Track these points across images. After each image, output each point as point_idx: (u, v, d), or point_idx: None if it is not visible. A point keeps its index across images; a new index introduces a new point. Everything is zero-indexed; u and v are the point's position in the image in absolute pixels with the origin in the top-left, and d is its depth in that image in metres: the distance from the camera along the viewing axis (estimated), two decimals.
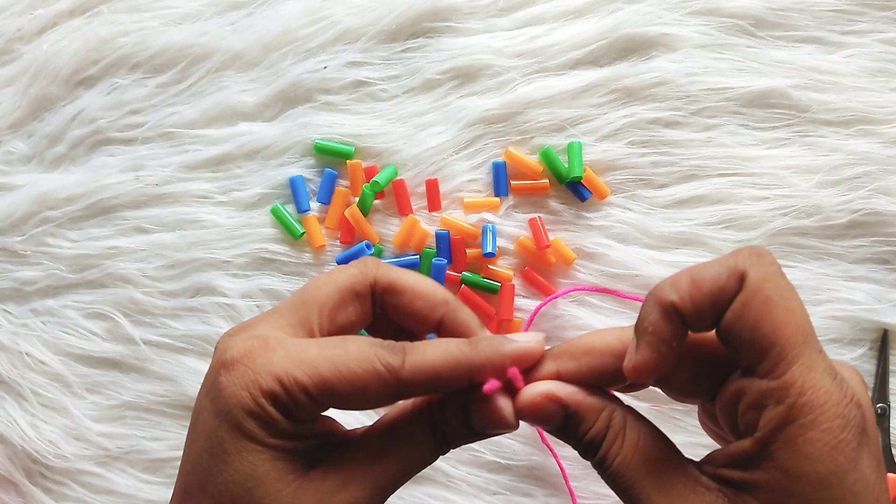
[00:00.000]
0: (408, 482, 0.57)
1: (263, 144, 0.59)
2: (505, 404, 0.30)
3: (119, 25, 0.60)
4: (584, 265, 0.57)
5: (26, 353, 0.60)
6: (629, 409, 0.31)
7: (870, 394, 0.56)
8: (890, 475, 0.55)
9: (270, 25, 0.59)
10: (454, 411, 0.31)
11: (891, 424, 0.55)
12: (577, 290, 0.56)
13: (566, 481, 0.55)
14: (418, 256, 0.57)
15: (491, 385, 0.29)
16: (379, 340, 0.30)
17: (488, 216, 0.57)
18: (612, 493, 0.55)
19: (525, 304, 0.57)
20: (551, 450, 0.56)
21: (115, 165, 0.60)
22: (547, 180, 0.57)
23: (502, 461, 0.56)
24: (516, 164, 0.57)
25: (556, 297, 0.56)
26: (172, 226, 0.59)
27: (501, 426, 0.30)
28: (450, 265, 0.57)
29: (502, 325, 0.57)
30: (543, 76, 0.57)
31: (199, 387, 0.32)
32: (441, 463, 0.56)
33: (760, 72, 0.56)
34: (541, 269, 0.57)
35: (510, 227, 0.57)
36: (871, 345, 0.56)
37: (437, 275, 0.57)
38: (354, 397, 0.29)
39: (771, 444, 0.26)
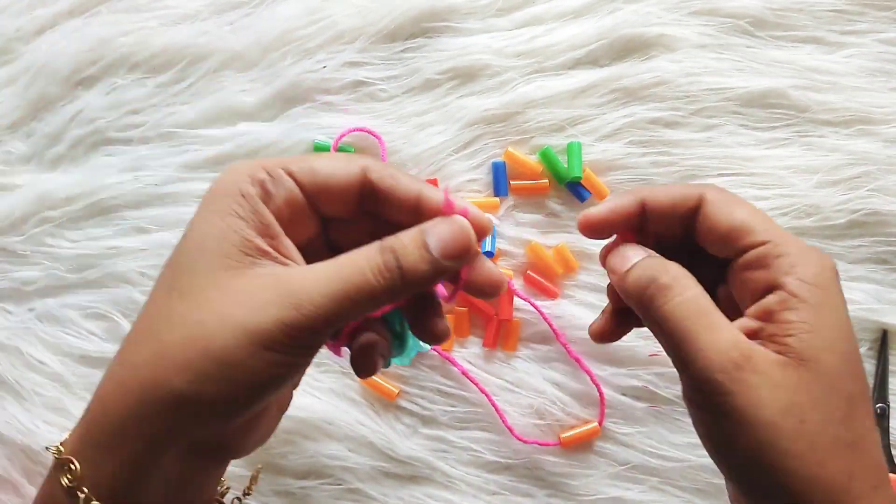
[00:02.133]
0: (408, 482, 0.57)
1: (263, 144, 0.59)
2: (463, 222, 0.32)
3: (118, 25, 0.60)
4: (584, 266, 0.57)
5: (26, 354, 0.60)
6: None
7: (870, 394, 0.56)
8: (891, 475, 0.55)
9: (269, 25, 0.59)
10: (411, 232, 0.31)
11: (891, 424, 0.55)
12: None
13: (503, 420, 0.56)
14: None
15: (449, 206, 0.32)
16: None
17: (488, 216, 0.57)
18: (610, 493, 0.55)
19: (524, 304, 0.56)
20: (491, 401, 0.56)
21: (114, 165, 0.60)
22: (546, 180, 0.57)
23: (502, 461, 0.56)
24: (516, 164, 0.57)
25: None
26: (172, 226, 0.59)
27: (459, 242, 0.31)
28: None
29: (502, 325, 0.57)
30: (543, 76, 0.57)
31: None
32: (441, 463, 0.56)
33: (760, 72, 0.56)
34: (542, 272, 0.57)
35: (510, 227, 0.57)
36: (871, 345, 0.56)
37: None
38: (327, 174, 0.31)
39: (795, 289, 0.31)
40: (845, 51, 0.57)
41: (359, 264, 0.29)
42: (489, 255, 0.56)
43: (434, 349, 0.56)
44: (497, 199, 0.57)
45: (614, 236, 0.37)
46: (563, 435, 0.56)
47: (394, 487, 0.56)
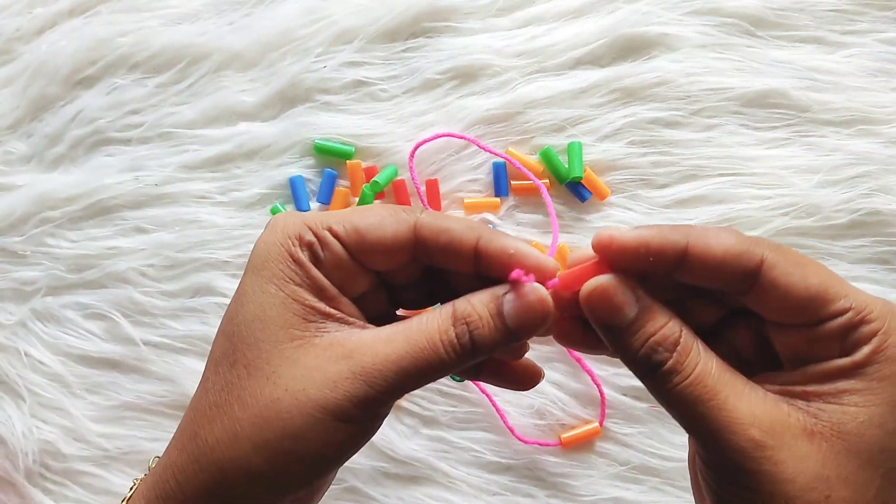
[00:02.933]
0: (408, 482, 0.57)
1: (263, 144, 0.59)
2: (538, 290, 0.29)
3: (118, 25, 0.60)
4: None
5: (26, 354, 0.60)
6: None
7: None
8: None
9: (269, 25, 0.59)
10: (484, 305, 0.29)
11: None
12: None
13: (500, 415, 0.56)
14: None
15: (518, 273, 0.29)
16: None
17: (489, 216, 0.57)
18: (611, 493, 0.55)
19: None
20: (491, 400, 0.56)
21: (114, 165, 0.60)
22: (547, 180, 0.57)
23: (503, 461, 0.56)
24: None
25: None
26: (172, 226, 0.59)
27: (538, 316, 0.29)
28: None
29: None
30: (543, 76, 0.57)
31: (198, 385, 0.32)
32: (441, 464, 0.56)
33: (760, 72, 0.56)
34: None
35: (510, 227, 0.57)
36: None
37: None
38: (376, 235, 0.30)
39: (868, 358, 0.28)
40: (846, 50, 0.57)
41: (431, 338, 0.29)
42: None
43: None
44: (497, 199, 0.57)
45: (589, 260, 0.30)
46: (564, 435, 0.56)
47: (394, 488, 0.56)
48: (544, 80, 0.57)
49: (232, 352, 0.30)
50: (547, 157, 0.57)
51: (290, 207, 0.58)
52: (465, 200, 0.57)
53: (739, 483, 0.28)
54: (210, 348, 0.31)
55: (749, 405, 0.28)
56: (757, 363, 0.32)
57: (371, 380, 0.28)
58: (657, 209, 0.56)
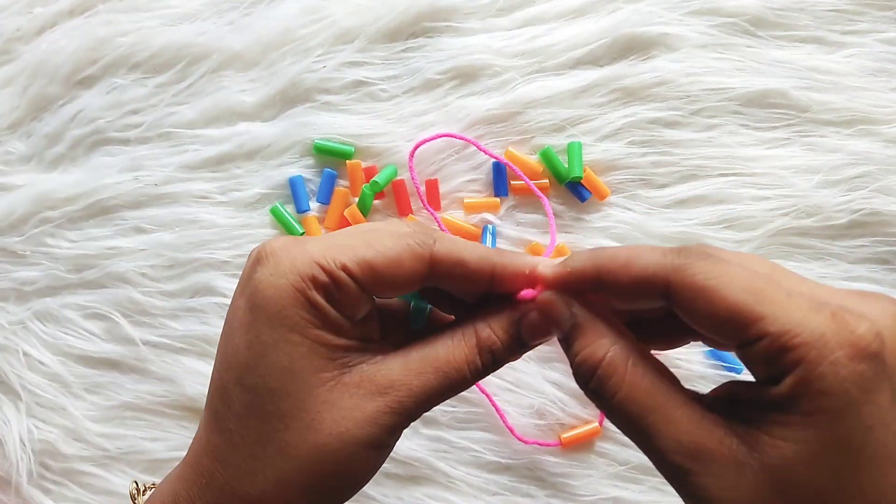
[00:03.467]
0: (408, 482, 0.57)
1: (263, 144, 0.59)
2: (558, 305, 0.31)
3: (118, 25, 0.60)
4: None
5: (25, 354, 0.59)
6: (636, 343, 0.30)
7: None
8: None
9: (269, 25, 0.59)
10: (506, 327, 0.31)
11: None
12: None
13: (502, 418, 0.56)
14: None
15: (526, 293, 0.31)
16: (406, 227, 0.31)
17: (489, 216, 0.57)
18: (611, 493, 0.55)
19: None
20: (489, 397, 0.56)
21: (114, 165, 0.60)
22: (547, 180, 0.57)
23: (503, 461, 0.56)
24: (516, 164, 0.57)
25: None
26: (172, 226, 0.59)
27: (546, 329, 0.31)
28: None
29: None
30: (543, 76, 0.57)
31: (219, 340, 0.32)
32: (441, 463, 0.56)
33: (760, 72, 0.56)
34: None
35: (510, 227, 0.57)
36: None
37: None
38: (392, 273, 0.30)
39: (793, 390, 0.25)
40: (846, 50, 0.57)
41: (461, 369, 0.31)
42: None
43: None
44: (497, 199, 0.57)
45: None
46: (564, 435, 0.56)
47: (394, 488, 0.56)
48: (544, 80, 0.57)
49: (261, 405, 0.29)
50: (547, 157, 0.56)
51: (291, 207, 0.58)
52: (465, 200, 0.57)
53: (682, 494, 0.28)
54: (214, 389, 0.31)
55: (675, 430, 0.27)
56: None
57: (408, 413, 0.30)
58: (657, 209, 0.56)
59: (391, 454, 0.55)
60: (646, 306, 0.29)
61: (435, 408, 0.56)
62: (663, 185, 0.57)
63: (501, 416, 0.56)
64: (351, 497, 0.31)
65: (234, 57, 0.59)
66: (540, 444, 0.56)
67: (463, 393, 0.56)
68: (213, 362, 0.58)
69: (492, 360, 0.31)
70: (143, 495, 0.35)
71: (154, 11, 0.60)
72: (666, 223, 0.56)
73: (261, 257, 0.30)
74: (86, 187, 0.60)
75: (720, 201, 0.56)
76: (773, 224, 0.55)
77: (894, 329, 0.25)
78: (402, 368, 0.30)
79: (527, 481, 0.56)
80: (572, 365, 0.30)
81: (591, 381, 0.29)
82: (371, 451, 0.30)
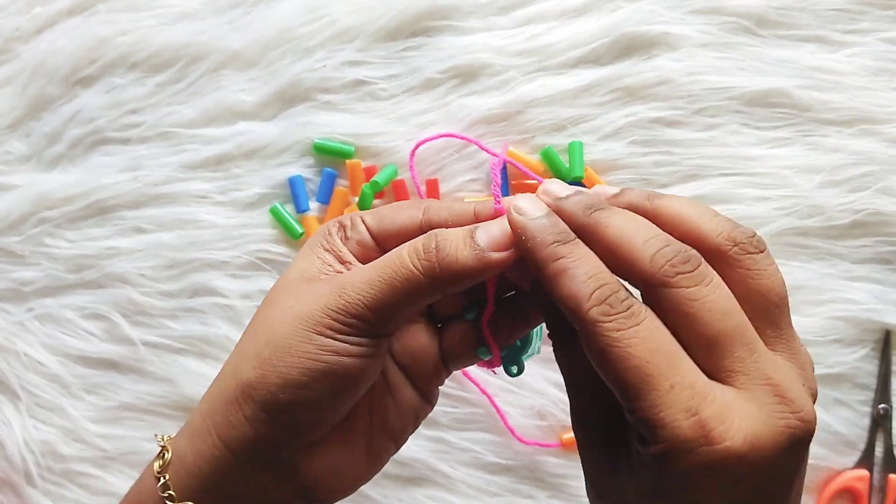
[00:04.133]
0: (408, 483, 0.57)
1: (262, 144, 0.59)
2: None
3: (117, 25, 0.60)
4: None
5: (24, 354, 0.59)
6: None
7: (872, 394, 0.56)
8: (893, 476, 0.55)
9: (269, 24, 0.59)
10: (460, 230, 0.32)
11: (893, 425, 0.55)
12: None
13: (503, 419, 0.55)
14: None
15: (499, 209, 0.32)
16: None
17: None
18: None
19: None
20: (489, 397, 0.56)
21: (113, 165, 0.60)
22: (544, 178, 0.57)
23: (503, 462, 0.56)
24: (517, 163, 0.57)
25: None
26: (171, 226, 0.59)
27: (504, 234, 0.30)
28: None
29: None
30: (544, 75, 0.57)
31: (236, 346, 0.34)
32: (441, 464, 0.56)
33: (762, 71, 0.56)
34: None
35: None
36: (874, 345, 0.56)
37: None
38: (390, 221, 0.34)
39: (648, 463, 0.26)
40: (848, 50, 0.56)
41: (400, 251, 0.31)
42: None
43: None
44: None
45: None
46: (565, 436, 0.55)
47: (394, 489, 0.56)
48: (545, 80, 0.57)
49: (268, 298, 0.33)
50: (548, 156, 0.56)
51: (290, 207, 0.58)
52: (466, 200, 0.57)
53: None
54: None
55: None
56: None
57: (343, 292, 0.30)
58: None
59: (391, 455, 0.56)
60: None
61: (435, 408, 0.56)
62: (665, 185, 0.56)
63: (502, 417, 0.56)
64: (306, 394, 0.31)
65: (234, 56, 0.59)
66: (541, 445, 0.56)
67: (463, 394, 0.56)
68: (212, 363, 0.58)
69: (434, 246, 0.30)
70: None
71: (153, 11, 0.60)
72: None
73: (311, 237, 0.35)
74: (85, 187, 0.59)
75: (721, 201, 0.56)
76: (775, 224, 0.55)
77: (758, 449, 0.25)
78: (360, 266, 0.32)
79: (527, 482, 0.56)
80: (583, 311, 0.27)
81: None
82: (307, 329, 0.30)
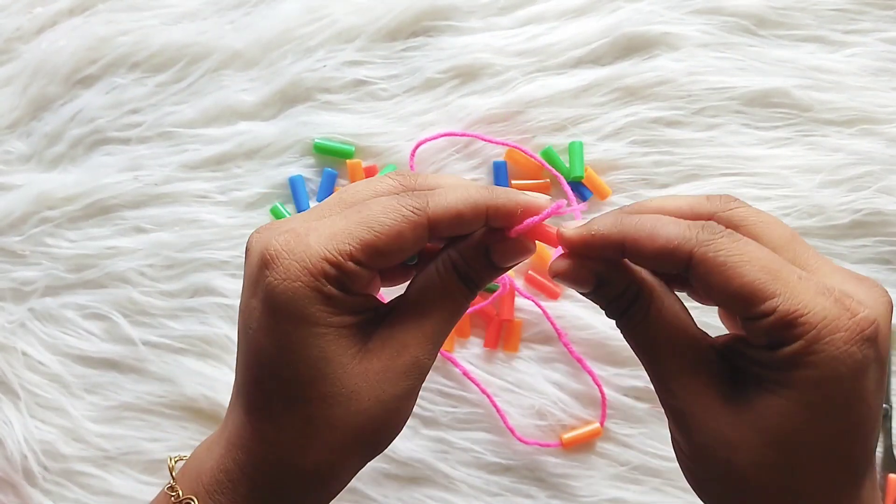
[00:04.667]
0: (408, 483, 0.57)
1: (263, 144, 0.59)
2: (522, 242, 0.33)
3: (118, 24, 0.60)
4: None
5: (25, 354, 0.59)
6: (659, 280, 0.32)
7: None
8: (892, 476, 0.55)
9: (269, 24, 0.59)
10: (476, 257, 0.33)
11: (893, 425, 0.55)
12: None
13: (502, 418, 0.55)
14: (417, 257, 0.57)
15: (518, 228, 0.33)
16: (399, 192, 0.32)
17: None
18: (611, 494, 0.55)
19: (525, 304, 0.56)
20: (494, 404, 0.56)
21: (113, 165, 0.60)
22: (548, 180, 0.57)
23: (503, 462, 0.56)
24: (517, 163, 0.57)
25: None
26: (171, 226, 0.59)
27: (522, 254, 0.33)
28: None
29: (503, 325, 0.56)
30: (544, 75, 0.57)
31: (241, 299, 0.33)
32: (441, 464, 0.56)
33: (762, 71, 0.56)
34: (543, 272, 0.57)
35: None
36: None
37: None
38: (396, 248, 0.31)
39: (789, 359, 0.28)
40: (848, 50, 0.56)
41: (451, 299, 0.34)
42: None
43: None
44: None
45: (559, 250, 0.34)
46: (565, 436, 0.55)
47: (394, 489, 0.56)
48: (545, 80, 0.57)
49: (302, 391, 0.31)
50: (548, 156, 0.56)
51: (291, 207, 0.58)
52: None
53: (676, 429, 0.32)
54: (248, 384, 0.33)
55: (683, 371, 0.31)
56: None
57: (429, 355, 0.33)
58: None
59: (391, 457, 0.56)
60: (661, 271, 0.32)
61: (435, 408, 0.57)
62: (665, 185, 0.56)
63: (502, 417, 0.56)
64: (391, 442, 0.34)
65: (235, 56, 0.59)
66: (541, 445, 0.56)
67: (464, 393, 0.56)
68: (212, 362, 0.58)
69: (473, 284, 0.33)
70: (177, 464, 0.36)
71: (154, 11, 0.60)
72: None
73: (267, 260, 0.31)
74: (85, 187, 0.59)
75: None
76: None
77: (886, 318, 0.29)
78: (413, 322, 0.33)
79: (527, 482, 0.56)
80: (627, 291, 0.32)
81: (624, 315, 0.32)
82: (406, 401, 0.33)
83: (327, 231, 0.31)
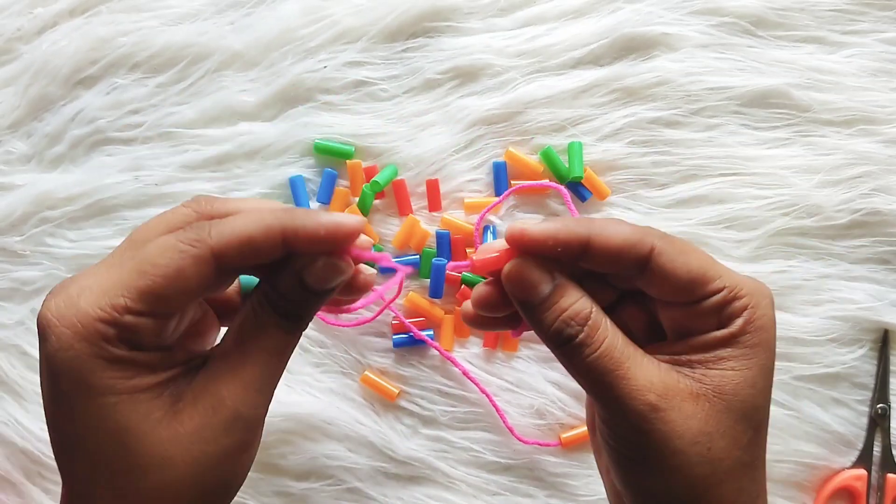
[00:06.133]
0: (408, 482, 0.57)
1: (263, 144, 0.59)
2: (331, 260, 0.31)
3: (118, 25, 0.60)
4: None
5: (25, 353, 0.59)
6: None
7: (870, 394, 0.56)
8: (891, 475, 0.55)
9: (270, 25, 0.59)
10: (287, 281, 0.30)
11: (891, 424, 0.55)
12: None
13: (502, 419, 0.55)
14: (418, 256, 0.57)
15: (361, 253, 0.31)
16: (181, 227, 0.30)
17: (489, 216, 0.57)
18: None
19: None
20: (492, 402, 0.56)
21: (114, 165, 0.60)
22: (547, 180, 0.57)
23: (502, 461, 0.56)
24: (517, 164, 0.57)
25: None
26: None
27: (337, 274, 0.31)
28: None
29: None
30: (544, 76, 0.57)
31: None
32: (441, 464, 0.56)
33: (761, 71, 0.56)
34: None
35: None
36: (872, 345, 0.56)
37: (437, 275, 0.56)
38: (178, 290, 0.28)
39: (740, 330, 0.32)
40: (847, 50, 0.57)
41: (271, 340, 0.31)
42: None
43: (435, 349, 0.56)
44: (498, 199, 0.57)
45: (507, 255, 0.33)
46: (564, 435, 0.56)
47: (394, 488, 0.56)
48: (545, 80, 0.57)
49: (109, 465, 0.29)
50: (547, 156, 0.56)
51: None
52: (466, 200, 0.57)
53: (638, 441, 0.31)
54: (59, 460, 0.30)
55: (647, 374, 0.31)
56: (646, 338, 0.35)
57: (257, 406, 0.31)
58: (657, 209, 0.56)
59: (390, 456, 0.56)
60: (617, 271, 0.33)
61: (435, 408, 0.57)
62: (664, 185, 0.57)
63: (501, 417, 0.56)
64: (231, 497, 0.32)
65: (235, 57, 0.59)
66: (540, 444, 0.56)
67: (463, 393, 0.56)
68: None
69: (294, 316, 0.31)
70: None
71: (155, 11, 0.60)
72: (666, 223, 0.56)
73: (41, 330, 0.28)
74: (86, 187, 0.60)
75: (720, 201, 0.56)
76: (774, 224, 0.55)
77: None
78: (229, 371, 0.30)
79: (527, 481, 0.56)
80: (556, 321, 0.32)
81: (581, 333, 0.31)
82: (235, 458, 0.30)
83: (99, 286, 0.28)
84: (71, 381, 0.28)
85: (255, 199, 0.33)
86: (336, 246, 0.30)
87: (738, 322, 0.32)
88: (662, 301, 0.34)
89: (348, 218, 0.30)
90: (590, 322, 0.32)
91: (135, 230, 0.31)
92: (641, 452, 0.31)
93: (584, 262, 0.32)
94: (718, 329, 0.32)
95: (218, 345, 0.32)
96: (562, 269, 0.32)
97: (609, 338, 0.32)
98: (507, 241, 0.32)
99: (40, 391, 0.30)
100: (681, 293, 0.32)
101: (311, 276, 0.30)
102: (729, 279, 0.32)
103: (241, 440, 0.30)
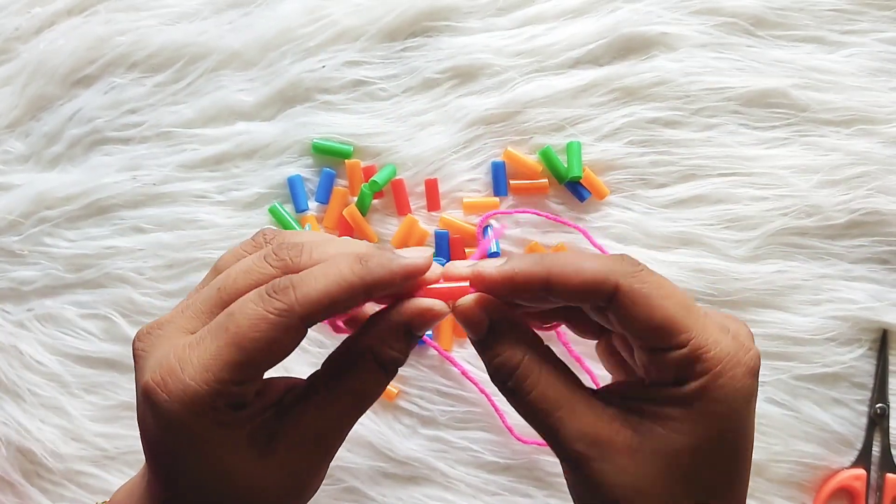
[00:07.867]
0: (407, 482, 0.57)
1: (262, 144, 0.59)
2: (433, 303, 0.32)
3: (116, 24, 0.60)
4: None
5: (23, 353, 0.59)
6: (545, 347, 0.33)
7: (869, 394, 0.56)
8: (890, 475, 0.55)
9: (269, 24, 0.59)
10: (398, 336, 0.32)
11: (890, 424, 0.55)
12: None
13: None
14: None
15: (431, 289, 0.32)
16: (262, 287, 0.31)
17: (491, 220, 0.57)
18: None
19: None
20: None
21: (112, 165, 0.60)
22: (546, 180, 0.57)
23: (501, 461, 0.56)
24: (516, 163, 0.57)
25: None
26: (170, 226, 0.59)
27: (438, 318, 0.32)
28: None
29: None
30: (543, 75, 0.57)
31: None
32: (440, 463, 0.56)
33: (760, 71, 0.56)
34: None
35: (510, 227, 0.57)
36: (871, 345, 0.56)
37: None
38: (273, 357, 0.30)
39: (695, 393, 0.30)
40: (846, 50, 0.57)
41: (361, 389, 0.33)
42: (495, 255, 0.56)
43: (434, 349, 0.56)
44: (497, 198, 0.57)
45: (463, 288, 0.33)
46: None
47: (393, 488, 0.56)
48: (543, 80, 0.57)
49: (210, 494, 0.31)
50: (546, 156, 0.56)
51: (289, 207, 0.58)
52: (465, 200, 0.57)
53: (578, 476, 0.32)
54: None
55: (580, 423, 0.31)
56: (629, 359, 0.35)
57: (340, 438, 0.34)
58: (656, 209, 0.56)
59: (389, 456, 0.56)
60: (582, 307, 0.32)
61: (434, 408, 0.57)
62: (662, 185, 0.57)
63: (500, 416, 0.56)
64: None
65: (233, 56, 0.59)
66: (539, 444, 0.56)
67: (462, 392, 0.56)
68: None
69: (389, 362, 0.33)
70: None
71: (153, 11, 0.60)
72: (665, 223, 0.56)
73: (148, 396, 0.30)
74: (84, 187, 0.59)
75: (719, 201, 0.56)
76: (773, 224, 0.55)
77: (757, 350, 0.32)
78: (322, 409, 0.32)
79: (525, 481, 0.56)
80: (490, 365, 0.33)
81: (509, 381, 0.32)
82: (316, 485, 0.34)
83: (200, 361, 0.30)
84: (181, 441, 0.30)
85: (331, 238, 0.34)
86: (412, 286, 0.32)
87: (693, 385, 0.30)
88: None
89: (418, 257, 0.31)
90: (518, 372, 0.32)
91: (220, 277, 0.33)
92: (583, 491, 0.32)
93: (551, 298, 0.31)
94: (675, 385, 0.31)
95: (312, 378, 0.34)
96: (508, 311, 0.32)
97: (539, 387, 0.32)
98: (469, 281, 0.32)
99: (139, 431, 0.32)
100: (641, 339, 0.31)
101: (418, 326, 0.32)
102: (700, 336, 0.30)
103: (322, 469, 0.33)
